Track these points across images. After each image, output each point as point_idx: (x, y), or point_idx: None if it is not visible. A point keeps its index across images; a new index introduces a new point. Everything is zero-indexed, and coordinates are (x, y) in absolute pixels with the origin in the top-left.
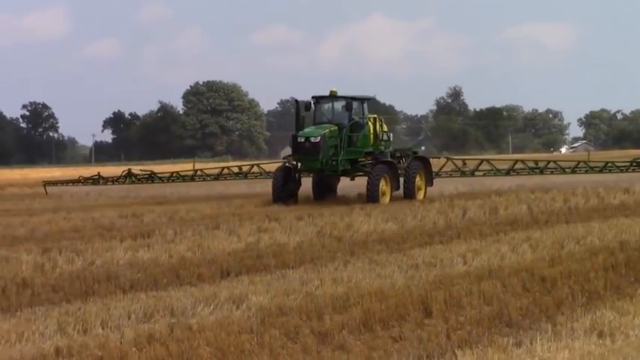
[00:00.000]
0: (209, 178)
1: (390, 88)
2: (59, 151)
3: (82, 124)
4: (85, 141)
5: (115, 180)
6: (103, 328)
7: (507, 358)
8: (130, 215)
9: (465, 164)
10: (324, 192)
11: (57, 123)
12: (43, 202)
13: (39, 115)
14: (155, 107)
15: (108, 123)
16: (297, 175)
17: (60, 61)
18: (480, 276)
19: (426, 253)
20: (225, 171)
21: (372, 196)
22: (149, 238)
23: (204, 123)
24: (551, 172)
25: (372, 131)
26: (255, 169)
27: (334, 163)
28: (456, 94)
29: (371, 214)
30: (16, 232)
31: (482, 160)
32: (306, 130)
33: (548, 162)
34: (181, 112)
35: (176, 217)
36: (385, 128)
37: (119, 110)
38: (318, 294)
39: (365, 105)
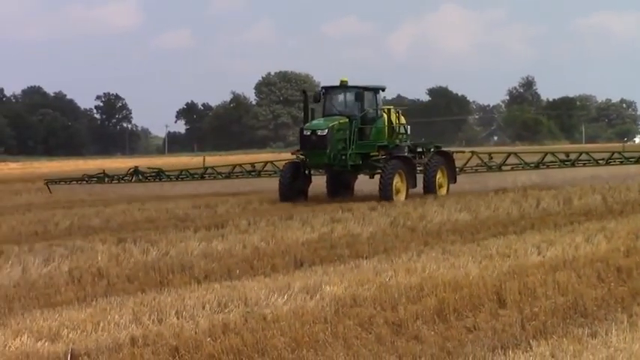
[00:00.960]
0: (220, 177)
1: (461, 78)
2: (132, 142)
3: (155, 115)
4: (158, 132)
5: (121, 178)
6: (177, 318)
7: (582, 348)
8: (204, 206)
9: (491, 158)
10: (339, 189)
11: (130, 114)
12: (119, 191)
13: (112, 106)
14: (228, 98)
15: (181, 114)
16: (306, 171)
17: (133, 52)
18: (554, 266)
19: (500, 244)
20: (237, 169)
21: (385, 194)
22: (223, 229)
23: (277, 113)
24: (584, 164)
25: (387, 124)
26: (268, 166)
27: (343, 157)
28: (528, 83)
29: (444, 204)
30: (91, 222)
31: (509, 154)
32: (313, 122)
33: (580, 153)
34: (254, 102)
35: (249, 207)
36: (403, 120)
37: (192, 101)
38: (392, 284)
39: (379, 95)
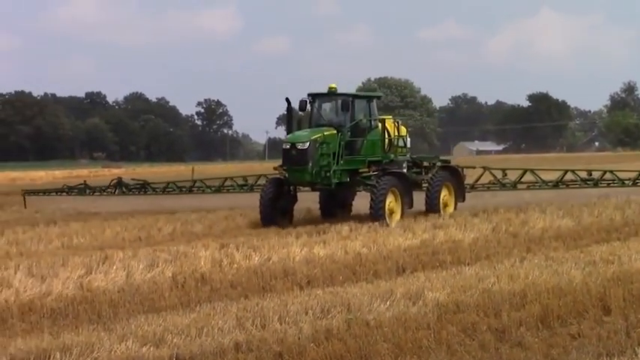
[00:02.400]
0: (209, 190)
1: (561, 84)
2: (233, 147)
3: (255, 121)
4: (259, 137)
5: (103, 190)
6: (280, 324)
7: None
8: (304, 210)
9: (505, 175)
10: (334, 209)
11: (231, 120)
12: (217, 200)
13: (213, 112)
14: None
15: (281, 119)
16: (291, 189)
17: (232, 58)
18: None
19: (604, 250)
20: (228, 182)
21: (375, 215)
22: (324, 235)
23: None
24: (608, 184)
25: (382, 136)
26: (262, 180)
27: (327, 174)
28: (630, 88)
29: (546, 210)
30: (194, 228)
31: (525, 170)
32: (292, 134)
33: (605, 172)
34: None
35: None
36: (403, 132)
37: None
38: (495, 290)
39: (373, 104)
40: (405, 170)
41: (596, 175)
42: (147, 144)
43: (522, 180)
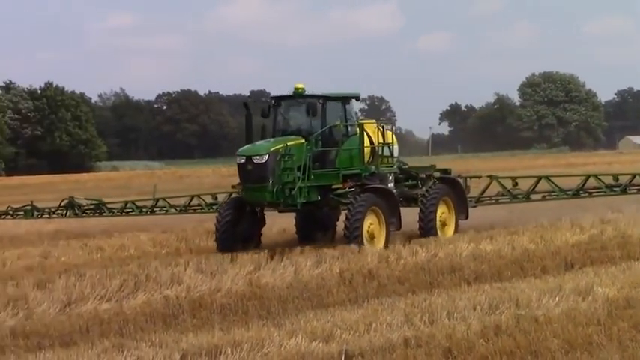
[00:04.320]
0: (174, 211)
1: None
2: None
3: (419, 117)
4: (422, 134)
5: (53, 212)
6: (449, 319)
7: None
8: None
9: (516, 185)
10: (314, 232)
11: (394, 116)
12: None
13: (377, 108)
14: (491, 99)
15: (444, 115)
16: (257, 210)
17: (395, 55)
18: None
19: None
20: (195, 201)
21: (351, 237)
22: (492, 230)
23: (541, 114)
24: (638, 190)
25: (361, 144)
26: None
27: (292, 193)
28: None
29: None
30: None
31: (539, 178)
32: (248, 146)
33: (634, 176)
34: (517, 103)
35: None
36: (389, 139)
37: (455, 102)
38: None
39: (349, 106)
40: (391, 184)
41: (622, 180)
42: None
43: (537, 189)
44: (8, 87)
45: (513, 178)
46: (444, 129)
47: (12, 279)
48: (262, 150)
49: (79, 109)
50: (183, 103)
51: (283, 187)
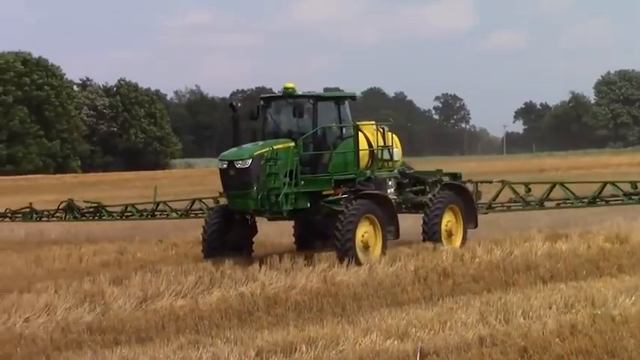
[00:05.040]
0: (175, 215)
1: None
2: (471, 142)
3: (493, 115)
4: (496, 132)
5: (52, 214)
6: (524, 318)
7: None
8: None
9: (529, 190)
10: (312, 239)
11: (468, 114)
12: None
13: (450, 106)
14: (566, 97)
15: (519, 114)
16: (248, 218)
17: (467, 53)
18: None
19: None
20: (197, 205)
21: (342, 250)
22: (568, 228)
23: (616, 113)
24: None
25: (357, 147)
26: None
27: (279, 200)
28: None
29: None
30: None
31: (554, 184)
32: (231, 150)
33: None
34: (592, 102)
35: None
36: (389, 141)
37: (530, 101)
38: None
39: (344, 107)
40: (391, 190)
41: None
42: None
43: (551, 196)
44: (84, 84)
45: (526, 184)
46: (519, 127)
47: (88, 275)
48: (245, 154)
49: (154, 106)
50: (258, 100)
51: (269, 193)
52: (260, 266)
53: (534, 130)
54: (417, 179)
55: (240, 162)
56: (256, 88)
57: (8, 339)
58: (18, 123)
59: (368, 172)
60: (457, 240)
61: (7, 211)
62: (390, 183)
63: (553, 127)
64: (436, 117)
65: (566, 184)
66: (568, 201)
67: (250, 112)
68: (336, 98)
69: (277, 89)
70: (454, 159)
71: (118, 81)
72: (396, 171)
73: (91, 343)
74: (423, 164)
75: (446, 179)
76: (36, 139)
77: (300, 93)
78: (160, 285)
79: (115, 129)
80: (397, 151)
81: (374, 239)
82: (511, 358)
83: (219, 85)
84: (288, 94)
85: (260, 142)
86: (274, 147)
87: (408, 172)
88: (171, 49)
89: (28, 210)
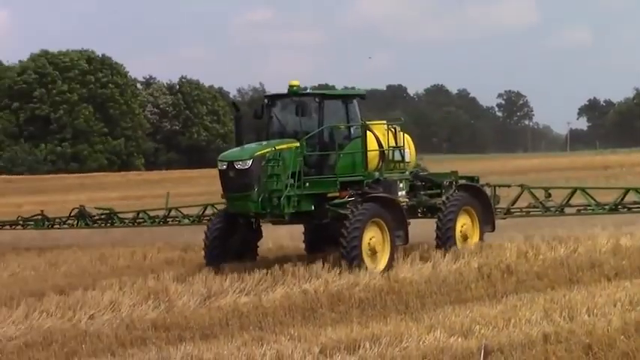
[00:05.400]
0: (187, 221)
1: None
2: (535, 139)
3: (556, 112)
4: (560, 129)
5: (64, 222)
6: (588, 316)
7: None
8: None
9: (549, 196)
10: (323, 243)
11: (531, 111)
12: None
13: (514, 103)
14: (630, 94)
15: (583, 110)
16: (252, 221)
17: (531, 50)
18: None
19: None
20: (209, 210)
21: (348, 257)
22: (632, 226)
23: None
24: None
25: (365, 147)
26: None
27: (282, 202)
28: None
29: None
30: None
31: (574, 190)
32: (231, 150)
33: None
34: None
35: None
36: (401, 142)
37: (594, 97)
38: None
39: (353, 105)
40: (402, 192)
41: None
42: (448, 136)
43: (571, 202)
44: (148, 82)
45: (546, 189)
46: (583, 124)
47: (152, 272)
48: (246, 154)
49: (216, 104)
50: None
51: (270, 195)
52: (323, 264)
53: (598, 127)
54: (432, 181)
55: (240, 163)
56: (318, 85)
57: (74, 336)
58: (83, 121)
59: (376, 173)
60: (471, 243)
61: (19, 218)
62: (400, 185)
63: (617, 123)
64: (499, 114)
65: (587, 190)
66: (589, 207)
67: (255, 111)
68: (344, 96)
69: (340, 87)
70: (517, 156)
71: (180, 79)
72: (407, 173)
73: (155, 339)
74: (484, 162)
75: (462, 181)
76: (100, 137)
77: (306, 92)
78: (223, 282)
79: (178, 127)
80: (409, 152)
81: (382, 245)
82: (576, 355)
83: (281, 83)
84: (294, 92)
85: (263, 142)
86: (277, 147)
87: (421, 174)
88: (233, 46)
89: (39, 217)
